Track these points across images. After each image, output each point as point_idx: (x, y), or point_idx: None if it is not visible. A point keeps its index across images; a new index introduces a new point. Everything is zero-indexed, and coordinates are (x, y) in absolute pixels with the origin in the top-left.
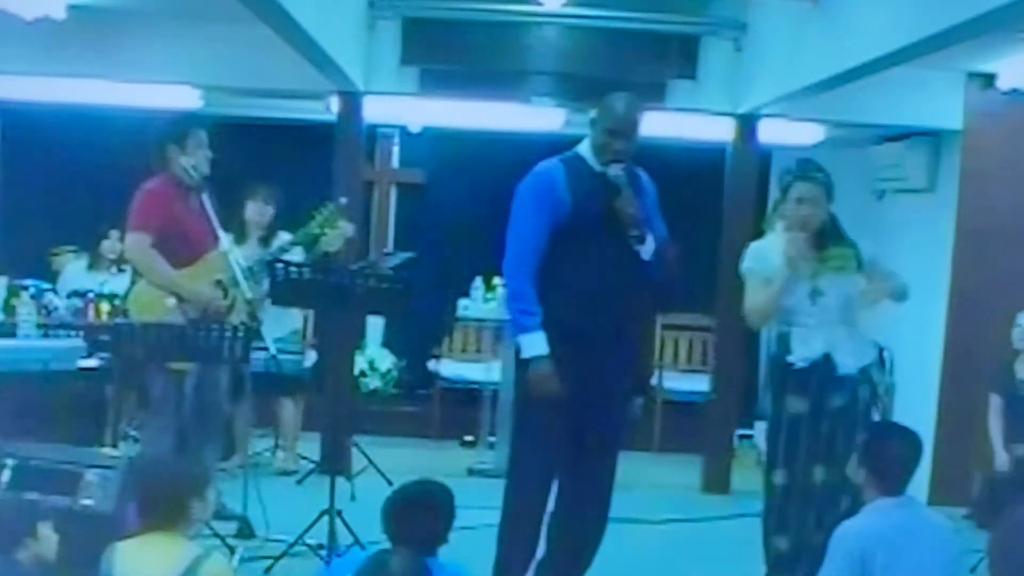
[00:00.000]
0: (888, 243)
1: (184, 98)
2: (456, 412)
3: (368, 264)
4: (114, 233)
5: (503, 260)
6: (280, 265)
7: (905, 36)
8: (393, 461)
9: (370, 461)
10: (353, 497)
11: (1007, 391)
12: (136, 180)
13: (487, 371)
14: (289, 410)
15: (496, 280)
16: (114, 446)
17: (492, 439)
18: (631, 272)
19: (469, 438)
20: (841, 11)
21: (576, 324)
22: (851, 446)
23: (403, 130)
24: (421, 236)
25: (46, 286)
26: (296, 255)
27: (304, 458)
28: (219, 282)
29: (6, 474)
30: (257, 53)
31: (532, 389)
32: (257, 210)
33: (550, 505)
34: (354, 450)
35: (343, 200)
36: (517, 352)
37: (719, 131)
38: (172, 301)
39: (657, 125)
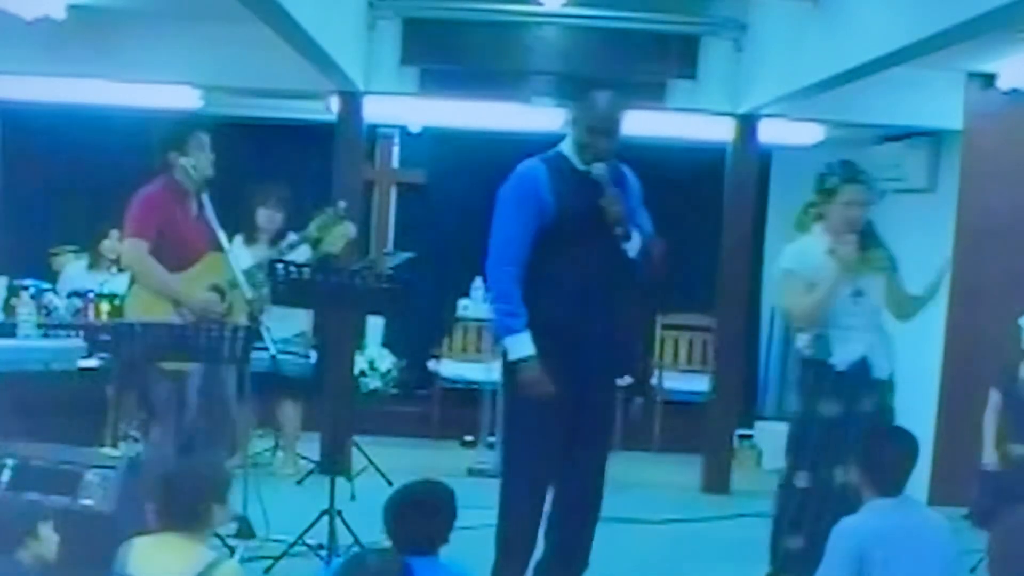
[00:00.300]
0: (888, 243)
1: (184, 98)
2: (456, 412)
3: (368, 264)
4: (114, 233)
5: (486, 262)
6: (280, 265)
7: (905, 36)
8: (393, 461)
9: (370, 461)
10: (353, 497)
11: (1007, 389)
12: (136, 180)
13: (487, 371)
14: (290, 412)
15: None
16: (114, 446)
17: (492, 439)
18: (617, 270)
19: (469, 438)
20: (841, 11)
21: (563, 324)
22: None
23: (403, 130)
24: (421, 236)
25: (46, 286)
26: (302, 254)
27: (304, 458)
28: (216, 286)
29: (6, 474)
30: (257, 53)
31: (523, 390)
32: (268, 217)
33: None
34: (354, 450)
35: (342, 204)
36: (504, 354)
37: (719, 131)
38: (169, 306)
39: (657, 125)
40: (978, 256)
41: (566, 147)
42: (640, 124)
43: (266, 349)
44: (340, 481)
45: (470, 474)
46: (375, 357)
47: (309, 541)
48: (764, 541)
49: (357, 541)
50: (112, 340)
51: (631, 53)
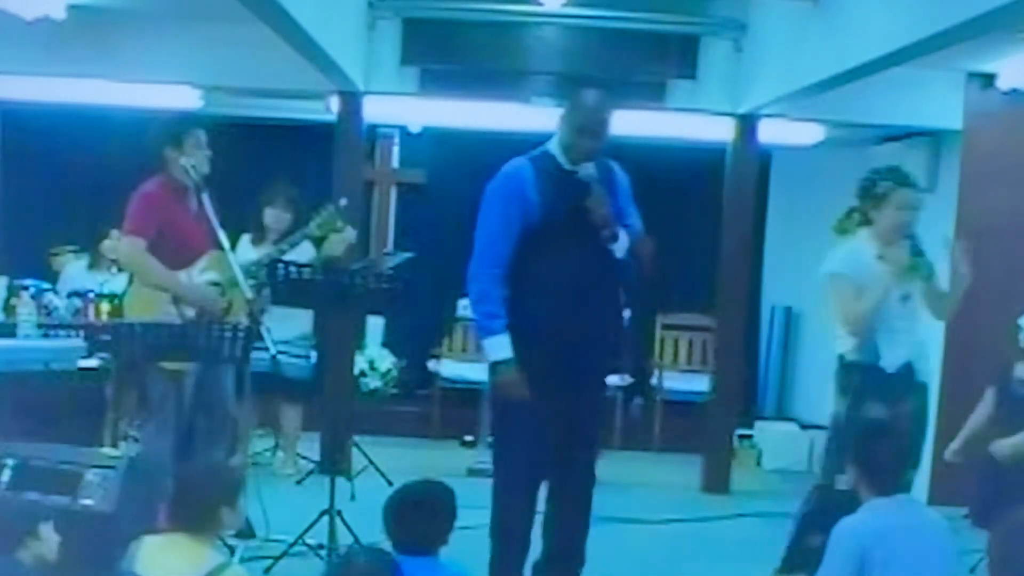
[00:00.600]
0: None
1: (184, 98)
2: (456, 412)
3: (368, 264)
4: (114, 233)
5: (469, 262)
6: (280, 265)
7: (905, 36)
8: (393, 461)
9: (370, 461)
10: (353, 497)
11: (1002, 387)
12: (136, 180)
13: (487, 371)
14: (290, 413)
15: None
16: (114, 446)
17: (492, 439)
18: (604, 270)
19: (469, 438)
20: (841, 11)
21: (549, 324)
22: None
23: (403, 130)
24: (421, 236)
25: (46, 286)
26: (304, 253)
27: (304, 458)
28: (215, 284)
29: (6, 474)
30: (257, 53)
31: (498, 393)
32: (275, 216)
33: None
34: (354, 450)
35: (343, 201)
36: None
37: (719, 131)
38: (168, 304)
39: (657, 125)
40: (978, 256)
41: (553, 146)
42: (640, 124)
43: (266, 349)
44: (340, 481)
45: (470, 474)
46: (375, 357)
47: (309, 541)
48: (764, 541)
49: (357, 541)
50: (112, 340)
51: (631, 53)
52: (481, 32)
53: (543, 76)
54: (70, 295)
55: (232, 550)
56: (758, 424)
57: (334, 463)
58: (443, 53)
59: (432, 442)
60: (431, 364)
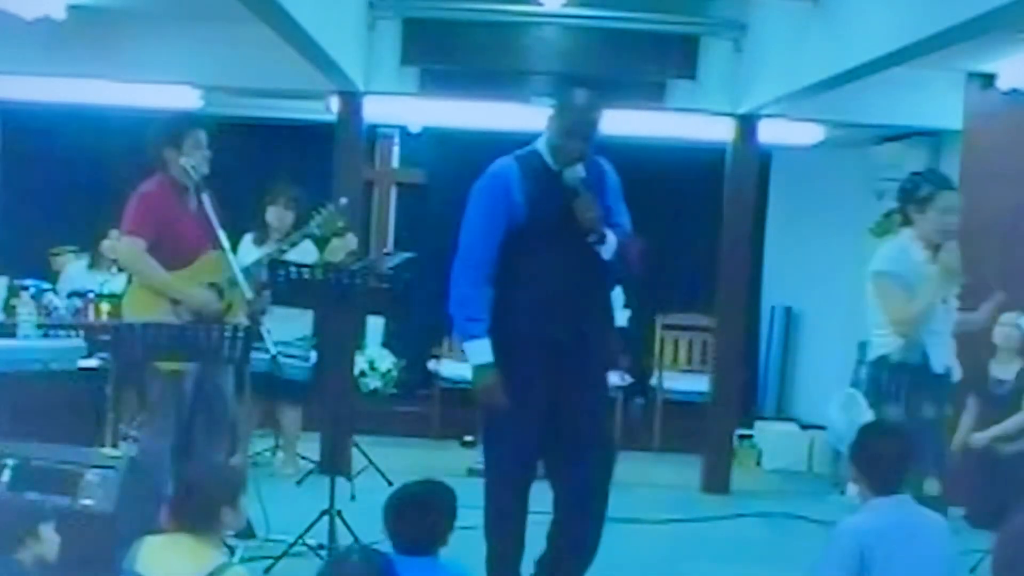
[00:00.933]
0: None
1: (184, 98)
2: (456, 412)
3: (368, 264)
4: (114, 233)
5: (453, 262)
6: (281, 265)
7: (905, 36)
8: (393, 461)
9: (370, 461)
10: (353, 497)
11: (980, 390)
12: (136, 180)
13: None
14: (289, 413)
15: None
16: (114, 446)
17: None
18: (591, 272)
19: (469, 438)
20: (841, 11)
21: (534, 326)
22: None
23: (403, 130)
24: (421, 236)
25: (46, 286)
26: (305, 252)
27: (304, 458)
28: (214, 284)
29: (6, 474)
30: (257, 53)
31: (477, 398)
32: (277, 215)
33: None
34: (354, 450)
35: (343, 200)
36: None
37: (719, 131)
38: (167, 305)
39: (657, 125)
40: (978, 256)
41: (541, 145)
42: (640, 124)
43: (266, 350)
44: (340, 481)
45: (470, 474)
46: (375, 357)
47: (309, 541)
48: (764, 541)
49: (357, 541)
50: (112, 340)
51: (631, 53)
52: (481, 32)
53: (543, 76)
54: (70, 295)
55: (232, 550)
56: (758, 424)
57: (334, 463)
58: (443, 53)
59: (432, 442)
60: (431, 364)
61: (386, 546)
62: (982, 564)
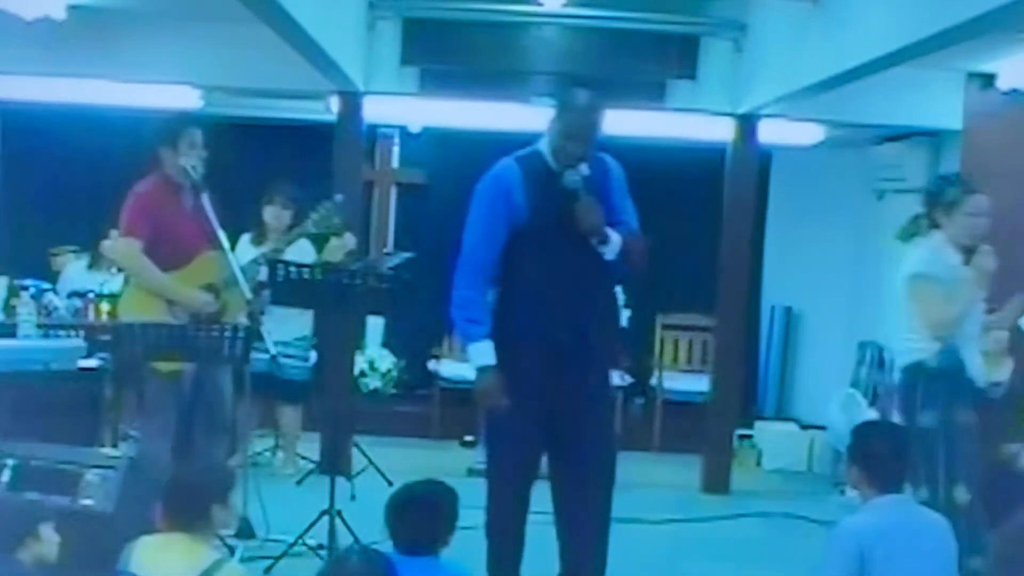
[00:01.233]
0: (888, 243)
1: (184, 98)
2: (456, 412)
3: (368, 264)
4: (114, 233)
5: (456, 263)
6: (280, 265)
7: (905, 36)
8: (393, 461)
9: (370, 461)
10: (353, 497)
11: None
12: (136, 180)
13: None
14: (289, 414)
15: None
16: (114, 446)
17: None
18: (593, 273)
19: (469, 438)
20: (841, 11)
21: (537, 329)
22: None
23: (403, 130)
24: (421, 236)
25: (46, 286)
26: (302, 251)
27: (304, 458)
28: (210, 285)
29: (6, 474)
30: (257, 53)
31: (478, 400)
32: (274, 215)
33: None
34: (354, 450)
35: (339, 197)
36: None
37: (719, 131)
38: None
39: (657, 125)
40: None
41: (543, 145)
42: (640, 124)
43: (266, 350)
44: (340, 481)
45: (470, 474)
46: (375, 357)
47: (309, 541)
48: (764, 541)
49: (357, 541)
50: (112, 340)
51: (631, 53)
52: (481, 32)
53: (543, 76)
54: (70, 295)
55: (232, 550)
56: (758, 424)
57: (334, 463)
58: (443, 53)
59: (432, 442)
60: (431, 364)
61: (386, 546)
62: None
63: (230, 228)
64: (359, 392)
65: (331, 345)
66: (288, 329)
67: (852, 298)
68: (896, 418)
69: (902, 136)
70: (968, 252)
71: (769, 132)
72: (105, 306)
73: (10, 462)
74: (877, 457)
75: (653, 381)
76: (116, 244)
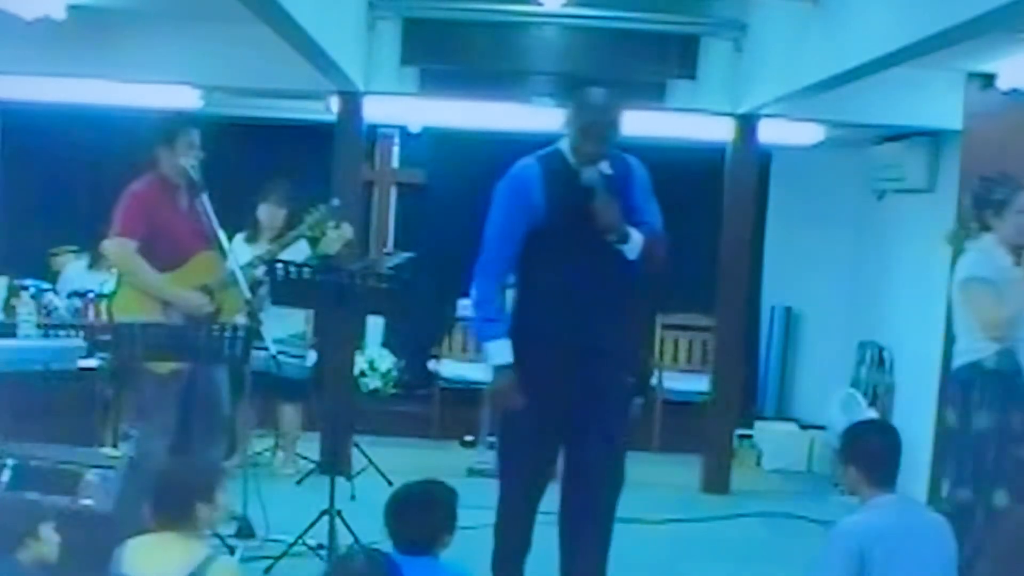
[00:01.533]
0: (888, 243)
1: (184, 98)
2: (456, 412)
3: (368, 264)
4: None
5: (476, 261)
6: (280, 265)
7: (905, 36)
8: (393, 461)
9: (370, 461)
10: (353, 497)
11: None
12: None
13: (487, 371)
14: (289, 413)
15: None
16: (114, 446)
17: (492, 439)
18: (613, 272)
19: (469, 438)
20: (841, 11)
21: (554, 328)
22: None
23: (403, 130)
24: (421, 236)
25: (46, 286)
26: (299, 252)
27: (304, 458)
28: (204, 286)
29: (6, 474)
30: (257, 53)
31: (494, 399)
32: (269, 213)
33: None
34: (354, 450)
35: (335, 201)
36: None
37: (719, 131)
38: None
39: (657, 125)
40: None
41: (564, 145)
42: (640, 124)
43: (266, 349)
44: (340, 481)
45: (470, 474)
46: (375, 357)
47: (309, 541)
48: (764, 541)
49: (357, 541)
50: (112, 340)
51: (631, 53)
52: (481, 32)
53: (543, 76)
54: (70, 295)
55: (232, 550)
56: (758, 424)
57: (334, 463)
58: (443, 53)
59: (432, 442)
60: (431, 364)
61: (386, 546)
62: None
63: (231, 228)
64: (359, 392)
65: (331, 345)
66: (283, 326)
67: (852, 298)
68: (952, 419)
69: (902, 136)
70: (1018, 253)
71: (769, 132)
72: (105, 306)
73: (10, 462)
74: (874, 455)
75: (653, 381)
76: (110, 243)
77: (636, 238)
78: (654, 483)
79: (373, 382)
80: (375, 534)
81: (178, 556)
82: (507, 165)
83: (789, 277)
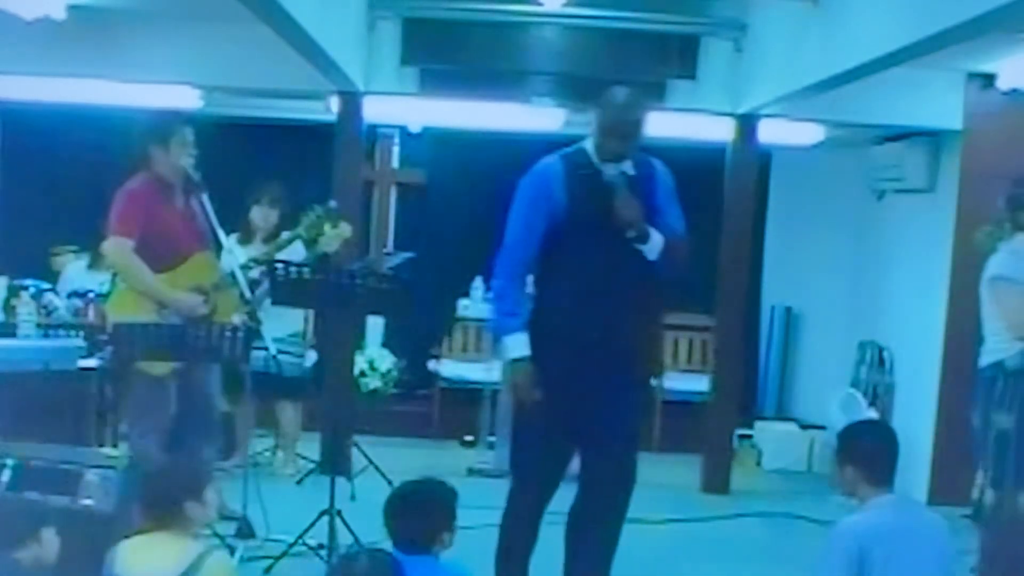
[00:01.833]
0: (888, 243)
1: (184, 98)
2: (456, 412)
3: (368, 264)
4: None
5: (496, 256)
6: (280, 265)
7: (905, 36)
8: (393, 461)
9: (370, 461)
10: (353, 497)
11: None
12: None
13: (487, 371)
14: (289, 413)
15: None
16: (114, 446)
17: (492, 439)
18: (633, 271)
19: (469, 438)
20: (841, 11)
21: (573, 324)
22: None
23: (403, 130)
24: (421, 236)
25: (46, 286)
26: (296, 253)
27: (304, 458)
28: (199, 288)
29: (6, 474)
30: (257, 53)
31: (512, 392)
32: (262, 214)
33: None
34: (354, 450)
35: (333, 203)
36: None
37: (719, 131)
38: (152, 306)
39: (657, 125)
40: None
41: (589, 144)
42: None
43: (265, 349)
44: (340, 481)
45: (470, 474)
46: (375, 357)
47: (309, 541)
48: (764, 541)
49: (357, 541)
50: (112, 340)
51: (631, 53)
52: (481, 32)
53: (543, 76)
54: (70, 295)
55: (232, 550)
56: (758, 424)
57: (334, 463)
58: (443, 53)
59: (432, 442)
60: (431, 364)
61: (386, 546)
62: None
63: (231, 229)
64: (359, 392)
65: (331, 345)
66: (281, 326)
67: (852, 298)
68: (976, 419)
69: (902, 136)
70: None
71: (769, 132)
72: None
73: (10, 462)
74: (873, 455)
75: (653, 381)
76: (106, 243)
77: (656, 239)
78: (654, 483)
79: (373, 382)
80: (375, 534)
81: (171, 555)
82: (507, 165)
83: (789, 277)
